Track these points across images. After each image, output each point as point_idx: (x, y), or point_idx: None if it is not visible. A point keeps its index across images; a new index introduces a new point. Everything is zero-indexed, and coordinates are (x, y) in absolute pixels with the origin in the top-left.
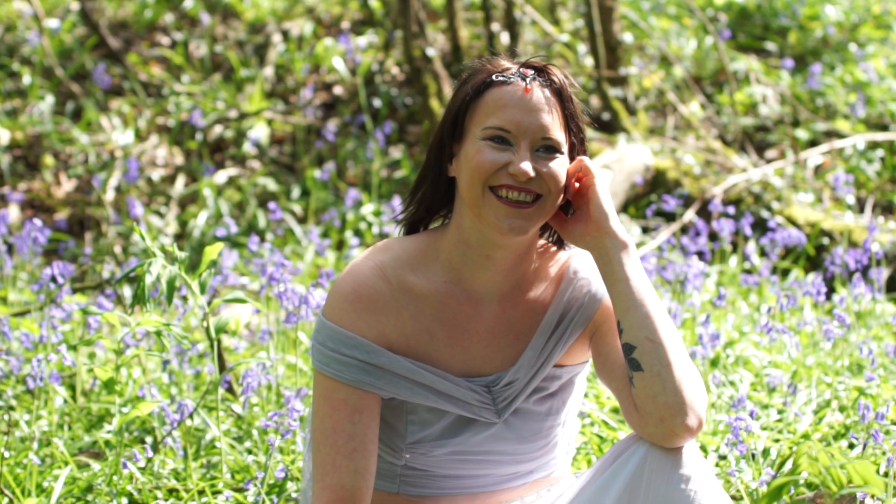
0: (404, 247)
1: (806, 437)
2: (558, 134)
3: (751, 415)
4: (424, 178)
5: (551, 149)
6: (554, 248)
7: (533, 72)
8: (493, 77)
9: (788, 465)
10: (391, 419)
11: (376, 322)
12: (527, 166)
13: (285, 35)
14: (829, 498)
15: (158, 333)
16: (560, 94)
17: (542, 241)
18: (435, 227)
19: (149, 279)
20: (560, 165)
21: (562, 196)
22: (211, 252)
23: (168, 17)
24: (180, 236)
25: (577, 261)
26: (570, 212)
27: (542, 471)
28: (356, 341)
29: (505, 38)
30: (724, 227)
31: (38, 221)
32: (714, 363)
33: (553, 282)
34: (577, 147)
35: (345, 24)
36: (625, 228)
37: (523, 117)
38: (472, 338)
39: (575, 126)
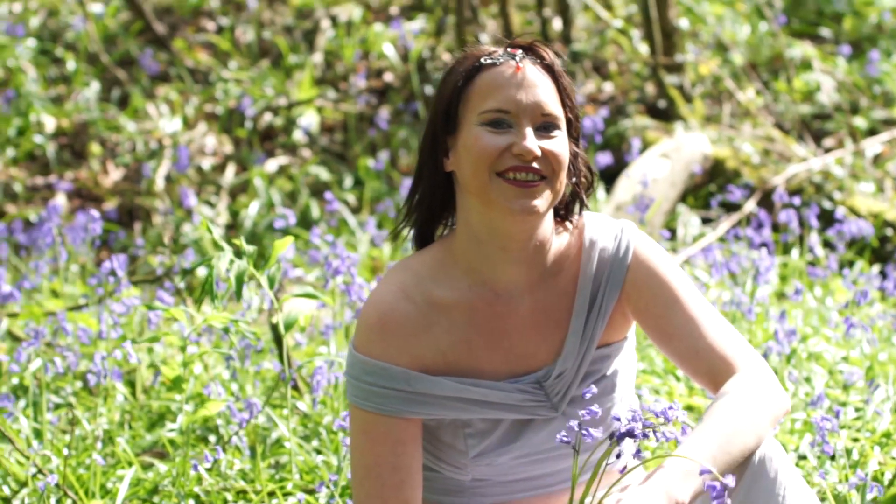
0: (421, 261)
1: (887, 436)
2: (556, 109)
3: (836, 414)
4: (420, 177)
5: (550, 126)
6: (565, 224)
7: (521, 50)
8: (482, 60)
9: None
10: (448, 438)
11: (407, 346)
12: (532, 144)
13: (334, 20)
14: None
15: (226, 329)
16: (552, 70)
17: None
18: (444, 235)
19: (217, 273)
20: (561, 143)
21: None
22: (281, 246)
23: (213, 2)
24: (231, 227)
25: (591, 229)
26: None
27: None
28: (392, 371)
29: (557, 23)
30: (792, 219)
31: (94, 213)
32: (789, 359)
33: (575, 259)
34: (574, 123)
35: (393, 10)
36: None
37: (520, 95)
38: (511, 337)
39: (569, 101)
